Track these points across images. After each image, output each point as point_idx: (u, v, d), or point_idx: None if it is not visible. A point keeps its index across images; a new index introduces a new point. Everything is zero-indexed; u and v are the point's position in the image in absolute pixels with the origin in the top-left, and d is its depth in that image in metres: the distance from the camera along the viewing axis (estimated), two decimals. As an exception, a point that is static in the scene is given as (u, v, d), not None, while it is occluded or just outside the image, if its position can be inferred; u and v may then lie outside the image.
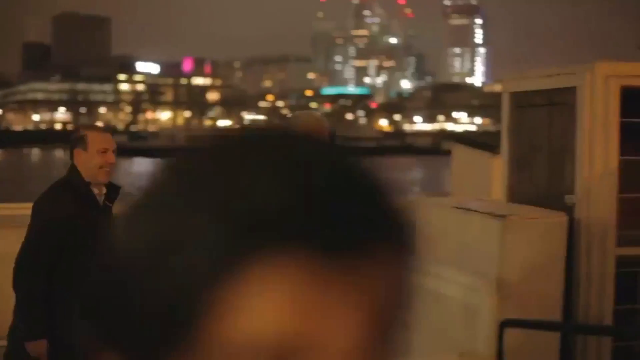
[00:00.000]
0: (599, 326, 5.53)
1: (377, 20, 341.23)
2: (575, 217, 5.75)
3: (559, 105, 6.04)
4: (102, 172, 5.19)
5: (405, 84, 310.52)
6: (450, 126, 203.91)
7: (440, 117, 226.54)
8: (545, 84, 6.21)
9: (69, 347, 5.06)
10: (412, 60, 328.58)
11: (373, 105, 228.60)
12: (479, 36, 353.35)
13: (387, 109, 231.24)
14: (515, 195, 6.59)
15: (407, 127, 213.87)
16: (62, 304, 5.10)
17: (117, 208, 5.49)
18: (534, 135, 6.37)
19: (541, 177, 6.28)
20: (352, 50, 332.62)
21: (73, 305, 5.17)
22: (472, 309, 3.21)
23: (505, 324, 3.52)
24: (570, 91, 5.88)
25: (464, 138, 11.56)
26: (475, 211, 5.79)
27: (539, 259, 5.56)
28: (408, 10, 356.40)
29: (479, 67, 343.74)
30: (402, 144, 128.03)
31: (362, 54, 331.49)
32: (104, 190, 5.29)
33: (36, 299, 5.03)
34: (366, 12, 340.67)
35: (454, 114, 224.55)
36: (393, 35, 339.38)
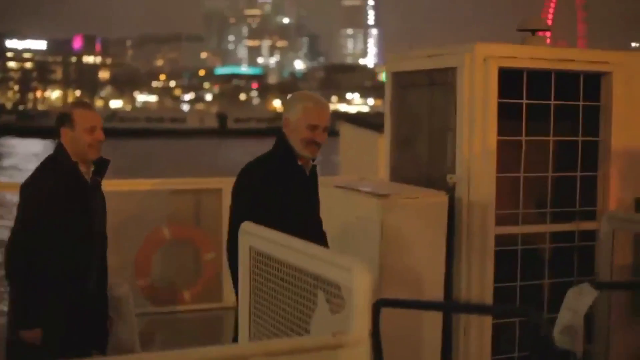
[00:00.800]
0: (476, 305, 5.60)
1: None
2: (456, 197, 5.82)
3: (439, 85, 6.09)
4: (92, 150, 5.08)
5: (299, 65, 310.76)
6: (343, 107, 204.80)
7: (334, 98, 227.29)
8: (426, 64, 6.25)
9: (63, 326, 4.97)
10: (305, 40, 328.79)
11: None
12: (371, 17, 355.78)
13: (280, 90, 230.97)
14: (399, 174, 6.63)
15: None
16: (54, 282, 4.96)
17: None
18: (416, 115, 6.42)
19: (423, 156, 6.33)
20: (245, 30, 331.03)
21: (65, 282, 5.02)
22: (347, 289, 3.20)
23: (380, 304, 3.52)
24: (451, 71, 5.93)
25: (352, 118, 11.63)
26: (357, 190, 5.81)
27: (420, 238, 5.61)
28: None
29: (372, 48, 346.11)
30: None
31: (255, 34, 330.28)
32: (92, 167, 5.18)
33: (34, 284, 4.91)
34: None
35: (347, 95, 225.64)
36: (286, 15, 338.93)
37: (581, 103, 6.19)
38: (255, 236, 4.12)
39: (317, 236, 4.96)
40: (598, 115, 6.31)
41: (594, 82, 6.29)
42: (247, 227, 4.19)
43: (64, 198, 4.95)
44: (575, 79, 6.16)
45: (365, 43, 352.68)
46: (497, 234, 5.82)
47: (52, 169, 5.06)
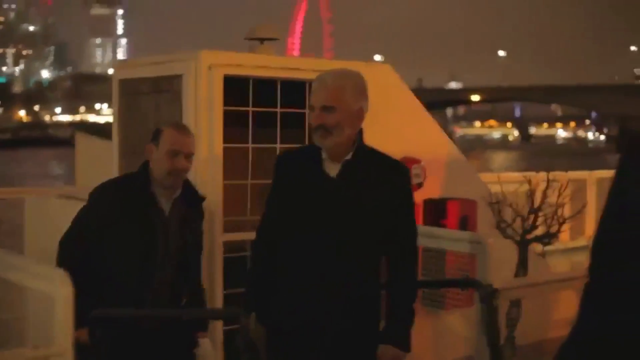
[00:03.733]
0: (209, 310, 5.59)
1: (14, 6, 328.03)
2: (184, 205, 5.77)
3: (166, 92, 6.04)
4: (170, 178, 4.54)
5: (45, 74, 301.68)
6: (92, 117, 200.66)
7: (82, 109, 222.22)
8: (152, 72, 6.18)
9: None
10: (52, 49, 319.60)
11: None
12: (120, 27, 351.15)
13: (26, 99, 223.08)
14: (128, 183, 6.51)
15: (47, 117, 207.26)
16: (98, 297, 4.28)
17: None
18: (144, 123, 6.33)
19: (151, 165, 6.25)
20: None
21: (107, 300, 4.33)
22: (50, 299, 3.10)
23: (95, 319, 3.43)
24: (177, 79, 5.90)
25: (87, 126, 11.41)
26: (81, 199, 5.64)
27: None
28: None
29: (122, 57, 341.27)
30: (42, 136, 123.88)
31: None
32: (177, 193, 4.63)
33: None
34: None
35: (96, 105, 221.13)
36: (32, 23, 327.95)
37: (307, 111, 6.31)
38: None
39: (331, 260, 3.83)
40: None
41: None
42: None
43: (120, 214, 4.44)
44: (303, 87, 6.28)
45: (115, 52, 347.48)
46: (226, 241, 5.83)
47: (124, 181, 4.66)
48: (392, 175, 3.98)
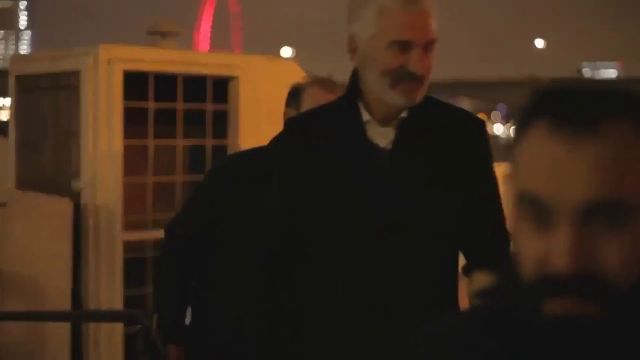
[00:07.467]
0: (108, 311, 5.47)
1: None
2: (82, 203, 5.64)
3: (64, 88, 5.89)
4: None
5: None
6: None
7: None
8: (51, 67, 6.02)
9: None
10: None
11: None
12: (23, 19, 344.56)
13: None
14: (25, 181, 6.34)
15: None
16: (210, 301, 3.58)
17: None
18: (42, 119, 6.17)
19: (49, 162, 6.10)
20: None
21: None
22: None
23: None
24: (75, 74, 5.75)
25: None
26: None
27: (43, 247, 5.38)
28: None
29: (26, 51, 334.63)
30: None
31: None
32: None
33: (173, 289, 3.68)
34: None
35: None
36: None
37: (209, 107, 6.23)
38: None
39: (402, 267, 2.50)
40: (227, 119, 6.39)
41: (224, 86, 6.36)
42: None
43: (240, 196, 3.45)
44: (205, 82, 6.19)
45: (18, 46, 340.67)
46: (126, 240, 5.71)
47: (242, 158, 3.76)
48: (469, 132, 2.65)
